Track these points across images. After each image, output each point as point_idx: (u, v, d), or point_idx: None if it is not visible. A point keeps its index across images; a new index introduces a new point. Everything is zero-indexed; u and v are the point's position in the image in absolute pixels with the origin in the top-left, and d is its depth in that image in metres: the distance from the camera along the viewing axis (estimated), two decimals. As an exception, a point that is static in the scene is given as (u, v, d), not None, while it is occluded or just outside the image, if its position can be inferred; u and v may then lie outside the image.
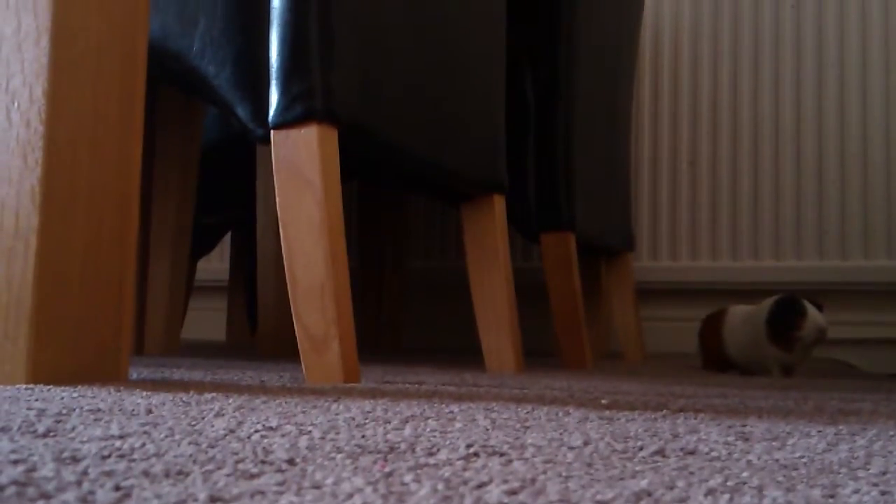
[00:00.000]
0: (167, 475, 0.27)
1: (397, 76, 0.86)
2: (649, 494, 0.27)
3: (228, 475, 0.28)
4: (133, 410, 0.45)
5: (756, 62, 1.78)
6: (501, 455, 0.35)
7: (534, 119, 1.29)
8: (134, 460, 0.30)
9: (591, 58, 1.36)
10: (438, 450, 0.35)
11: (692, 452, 0.38)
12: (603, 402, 0.63)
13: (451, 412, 0.51)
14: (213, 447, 0.33)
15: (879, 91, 1.70)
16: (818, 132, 1.73)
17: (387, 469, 0.30)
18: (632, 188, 1.78)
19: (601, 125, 1.43)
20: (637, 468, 0.33)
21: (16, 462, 0.28)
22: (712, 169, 1.79)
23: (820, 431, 0.48)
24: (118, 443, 0.33)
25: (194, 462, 0.30)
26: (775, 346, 1.19)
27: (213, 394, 0.57)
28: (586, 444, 0.39)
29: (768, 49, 1.77)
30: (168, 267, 1.20)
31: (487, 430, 0.43)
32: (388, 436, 0.39)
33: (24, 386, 0.56)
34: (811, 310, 1.17)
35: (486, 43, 1.07)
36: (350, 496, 0.25)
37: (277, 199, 0.75)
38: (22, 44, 0.61)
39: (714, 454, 0.37)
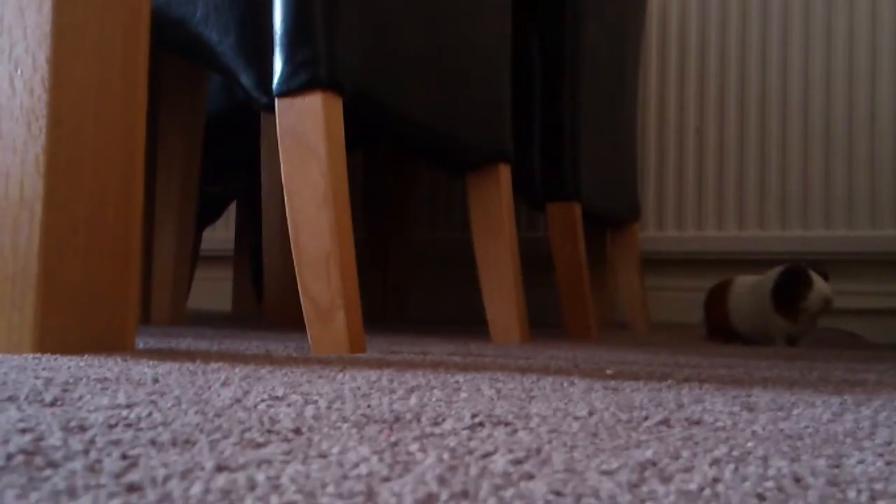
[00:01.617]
0: (174, 444, 0.27)
1: (402, 44, 0.86)
2: (654, 464, 0.27)
3: (235, 444, 0.28)
4: (140, 380, 0.45)
5: (764, 29, 1.76)
6: (507, 425, 0.35)
7: (540, 89, 1.28)
8: (141, 429, 0.30)
9: (598, 28, 1.35)
10: (444, 419, 0.35)
11: (697, 422, 0.38)
12: (608, 372, 0.63)
13: (457, 382, 0.51)
14: (219, 416, 0.34)
15: (888, 59, 1.68)
16: (826, 101, 1.71)
17: (392, 438, 0.30)
18: (638, 158, 1.77)
19: (607, 95, 1.42)
20: (642, 438, 0.33)
21: (23, 431, 0.28)
22: (719, 138, 1.77)
23: (825, 402, 0.48)
24: (125, 412, 0.34)
25: (201, 431, 0.30)
26: (781, 316, 1.19)
27: (220, 363, 0.57)
28: (591, 414, 0.39)
29: (777, 16, 1.75)
30: (173, 236, 1.20)
31: (493, 399, 0.43)
32: (394, 405, 0.39)
33: (31, 355, 0.56)
34: (817, 280, 1.17)
35: (491, 12, 1.06)
36: (356, 465, 0.25)
37: (282, 168, 0.75)
38: (24, 11, 0.60)
39: (719, 424, 0.37)
